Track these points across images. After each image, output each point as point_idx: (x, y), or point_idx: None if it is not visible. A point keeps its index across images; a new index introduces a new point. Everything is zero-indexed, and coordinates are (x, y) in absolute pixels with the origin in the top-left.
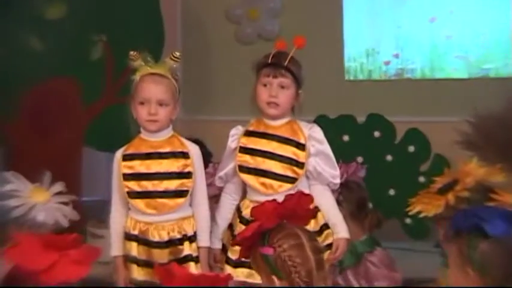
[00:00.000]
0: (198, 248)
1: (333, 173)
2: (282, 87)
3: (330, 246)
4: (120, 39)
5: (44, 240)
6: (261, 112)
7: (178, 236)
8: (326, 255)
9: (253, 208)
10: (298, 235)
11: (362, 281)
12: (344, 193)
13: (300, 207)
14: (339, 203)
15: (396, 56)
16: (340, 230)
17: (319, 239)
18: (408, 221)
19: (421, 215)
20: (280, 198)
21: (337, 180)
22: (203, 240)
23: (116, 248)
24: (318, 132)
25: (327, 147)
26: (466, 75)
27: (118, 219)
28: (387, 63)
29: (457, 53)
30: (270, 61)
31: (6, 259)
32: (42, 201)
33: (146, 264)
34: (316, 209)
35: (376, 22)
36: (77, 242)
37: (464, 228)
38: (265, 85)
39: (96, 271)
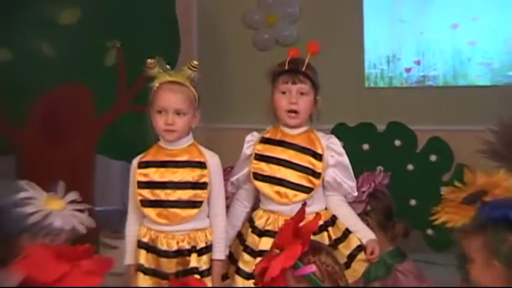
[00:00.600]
0: (212, 260)
1: (351, 184)
2: (302, 93)
3: (357, 249)
4: (134, 46)
5: (56, 251)
6: (278, 121)
7: (188, 247)
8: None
9: (276, 242)
10: (321, 246)
11: None
12: (372, 203)
13: (310, 223)
14: (367, 213)
15: (418, 62)
16: (367, 233)
17: (344, 244)
18: (430, 232)
19: (448, 225)
20: (294, 208)
21: (355, 192)
22: (218, 253)
23: (129, 256)
24: (337, 143)
25: (345, 159)
26: (490, 82)
27: (133, 227)
28: (408, 70)
29: (480, 59)
30: (287, 67)
31: (18, 270)
32: (57, 209)
33: (154, 273)
34: (334, 217)
35: (397, 28)
36: (89, 252)
37: (491, 220)
38: (283, 92)
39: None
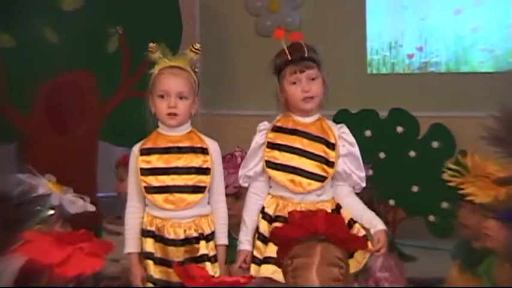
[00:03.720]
0: (216, 246)
1: (361, 175)
2: (312, 79)
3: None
4: (136, 32)
5: (56, 236)
6: (290, 111)
7: (195, 235)
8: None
9: (289, 213)
10: (312, 254)
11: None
12: None
13: (334, 227)
14: None
15: (420, 49)
16: (377, 222)
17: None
18: (432, 218)
19: (468, 198)
20: (308, 197)
21: (364, 183)
22: (222, 238)
23: (130, 244)
24: (348, 133)
25: (357, 150)
26: (492, 68)
27: (134, 215)
28: (411, 56)
29: (483, 45)
30: (290, 57)
31: (19, 255)
32: (60, 192)
33: (162, 262)
34: (339, 206)
35: (399, 14)
36: (89, 235)
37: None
38: (294, 83)
39: (111, 268)
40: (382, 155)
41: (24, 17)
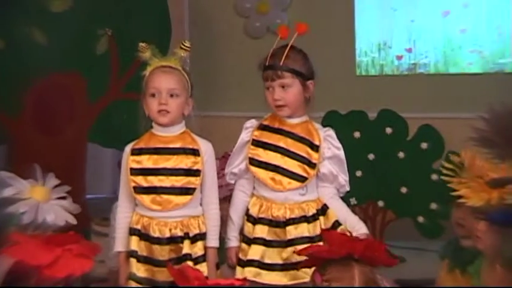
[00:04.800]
0: (206, 248)
1: (346, 178)
2: (285, 87)
3: None
4: (125, 34)
5: (44, 238)
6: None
7: (180, 234)
8: None
9: (325, 232)
10: (352, 275)
11: None
12: None
13: (371, 253)
14: None
15: (409, 50)
16: (360, 226)
17: None
18: (421, 219)
19: (460, 200)
20: (288, 196)
21: (349, 186)
22: (212, 240)
23: (120, 243)
24: (334, 136)
25: (342, 153)
26: (481, 70)
27: (124, 215)
28: (400, 57)
29: (472, 47)
30: (267, 63)
31: (6, 257)
32: (43, 200)
33: (147, 260)
34: (325, 207)
35: (388, 16)
36: (77, 237)
37: (501, 223)
38: (268, 88)
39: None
40: (371, 156)
41: (12, 18)
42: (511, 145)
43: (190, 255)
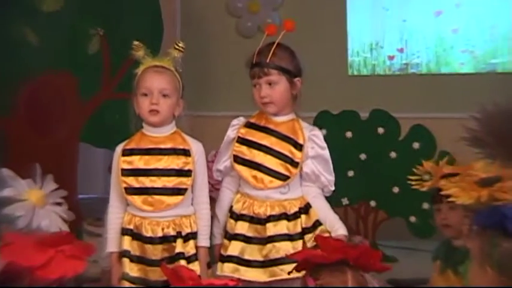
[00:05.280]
0: (197, 247)
1: (329, 178)
2: (272, 84)
3: None
4: (117, 33)
5: (37, 238)
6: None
7: (173, 233)
8: None
9: (319, 237)
10: (346, 280)
11: None
12: None
13: (365, 260)
14: None
15: (401, 50)
16: (339, 227)
17: (311, 236)
18: (413, 219)
19: (449, 199)
20: (269, 194)
21: (333, 186)
22: (203, 240)
23: (111, 244)
24: (319, 136)
25: (326, 153)
26: (473, 70)
27: (115, 215)
28: (391, 57)
29: (464, 47)
30: (254, 61)
31: (0, 257)
32: (39, 204)
33: (140, 260)
34: (308, 206)
35: (380, 16)
36: (70, 238)
37: (488, 225)
38: (255, 85)
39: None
40: (363, 156)
41: (4, 18)
42: (502, 145)
43: (183, 253)
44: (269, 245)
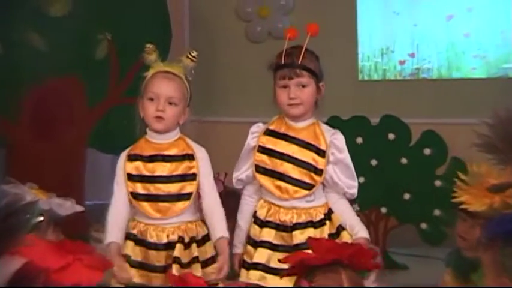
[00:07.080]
0: (217, 240)
1: (350, 183)
2: (302, 86)
3: None
4: (125, 38)
5: (57, 243)
6: (283, 113)
7: (177, 240)
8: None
9: (312, 239)
10: (340, 281)
11: None
12: None
13: (358, 259)
14: None
15: (412, 55)
16: (359, 230)
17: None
18: (424, 226)
19: (462, 207)
20: (295, 203)
21: (354, 191)
22: (220, 231)
23: (110, 235)
24: (339, 140)
25: (346, 157)
26: (485, 75)
27: (117, 210)
28: (402, 62)
29: (475, 52)
30: (283, 62)
31: (18, 257)
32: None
33: (141, 266)
34: (330, 211)
35: (391, 20)
36: (89, 248)
37: (499, 234)
38: (283, 87)
39: None
40: (373, 162)
41: (11, 23)
42: None
43: (179, 258)
44: None
